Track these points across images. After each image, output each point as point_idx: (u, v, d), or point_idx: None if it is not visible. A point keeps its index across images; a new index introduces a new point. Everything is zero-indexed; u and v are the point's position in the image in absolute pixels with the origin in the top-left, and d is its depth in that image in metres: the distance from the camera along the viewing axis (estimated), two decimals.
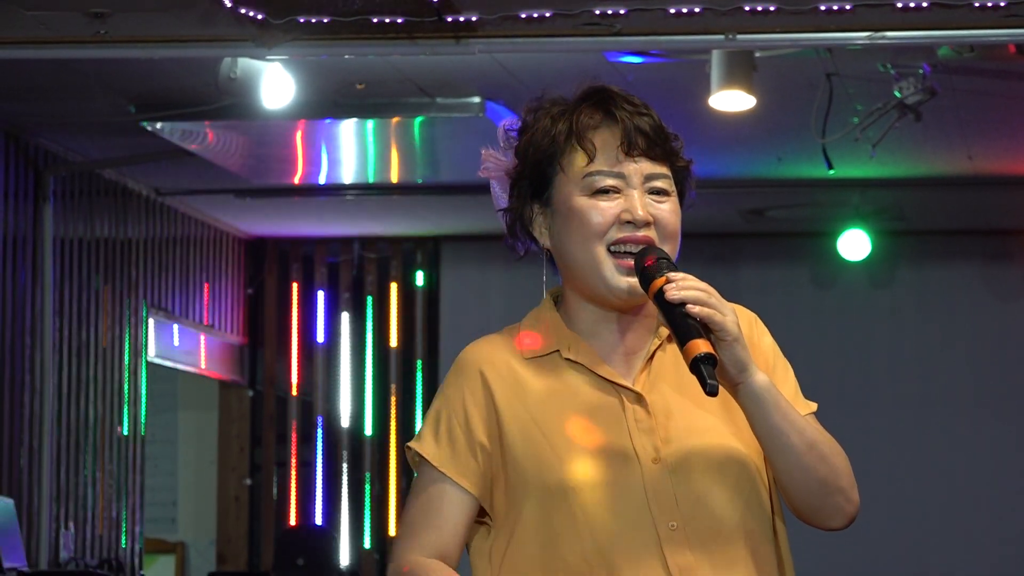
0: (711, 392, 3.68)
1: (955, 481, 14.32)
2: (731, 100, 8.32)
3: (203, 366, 13.27)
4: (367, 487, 14.10)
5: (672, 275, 3.84)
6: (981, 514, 14.43)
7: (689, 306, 3.78)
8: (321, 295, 14.19)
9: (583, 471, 3.96)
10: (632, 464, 3.95)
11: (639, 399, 4.00)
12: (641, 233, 3.93)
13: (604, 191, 3.82)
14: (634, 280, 3.92)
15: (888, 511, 13.84)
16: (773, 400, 3.99)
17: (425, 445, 3.92)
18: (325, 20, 7.85)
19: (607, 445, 3.98)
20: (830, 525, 4.06)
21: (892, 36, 8.11)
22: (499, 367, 3.97)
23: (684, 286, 3.81)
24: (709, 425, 4.10)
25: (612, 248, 3.94)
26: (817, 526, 4.11)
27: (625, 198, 3.84)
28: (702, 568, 4.00)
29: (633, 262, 3.94)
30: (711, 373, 3.69)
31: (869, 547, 13.98)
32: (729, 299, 4.28)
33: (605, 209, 3.84)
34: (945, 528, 14.40)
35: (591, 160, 3.85)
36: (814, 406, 4.36)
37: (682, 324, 3.79)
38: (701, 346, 3.75)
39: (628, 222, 3.88)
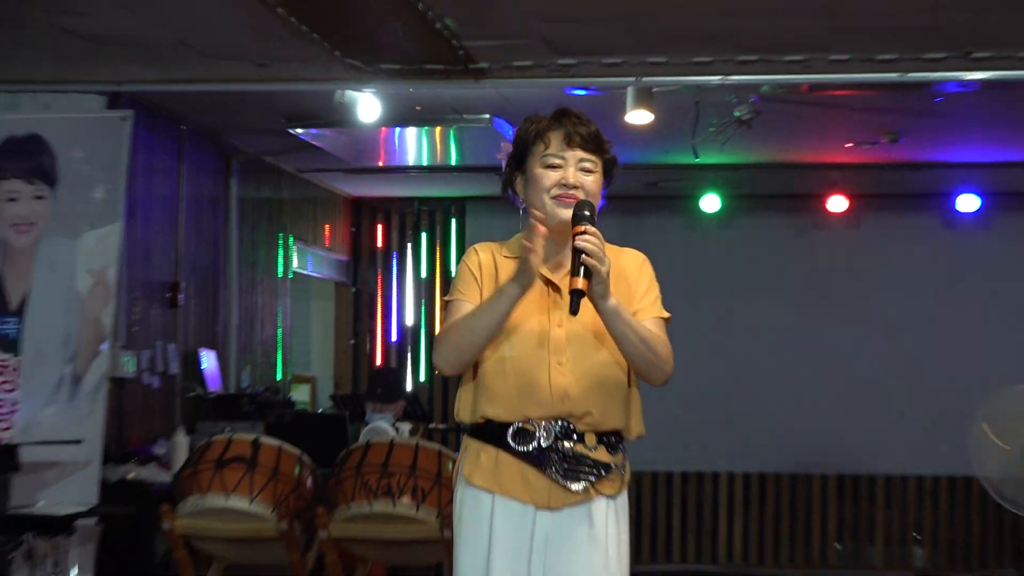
0: (572, 313, 4.31)
1: (799, 370, 13.62)
2: (638, 116, 8.40)
3: (325, 274, 13.38)
4: (421, 346, 14.13)
5: (587, 228, 4.31)
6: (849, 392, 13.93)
7: (584, 256, 4.28)
8: (395, 233, 14.21)
9: (518, 322, 4.61)
10: (544, 325, 4.65)
11: (557, 288, 4.58)
12: (571, 192, 4.56)
13: (552, 166, 4.46)
14: (564, 213, 4.45)
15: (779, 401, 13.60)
16: (619, 314, 4.47)
17: (453, 291, 4.70)
18: (396, 67, 7.90)
19: (534, 312, 4.64)
20: (652, 382, 4.58)
21: (734, 79, 8.15)
22: (487, 257, 4.64)
23: (586, 239, 4.33)
24: (593, 314, 4.57)
25: (552, 197, 4.43)
26: (646, 381, 4.61)
27: (564, 171, 4.48)
28: (573, 387, 4.56)
29: (567, 200, 4.43)
30: (576, 302, 4.27)
31: (776, 434, 13.59)
32: (633, 239, 4.71)
33: (551, 175, 4.60)
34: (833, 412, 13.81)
35: (547, 148, 4.31)
36: (667, 315, 4.73)
37: (576, 263, 4.31)
38: (577, 283, 4.29)
39: (563, 184, 4.30)
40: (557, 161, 4.52)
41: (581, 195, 4.46)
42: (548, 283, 4.60)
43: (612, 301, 4.35)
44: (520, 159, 4.60)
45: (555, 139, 4.52)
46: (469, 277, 4.64)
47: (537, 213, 4.39)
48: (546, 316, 4.54)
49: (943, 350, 13.35)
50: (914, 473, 13.60)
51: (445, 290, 13.69)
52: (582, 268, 4.26)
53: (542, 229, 4.32)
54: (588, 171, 4.50)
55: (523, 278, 4.34)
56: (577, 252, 4.26)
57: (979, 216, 13.34)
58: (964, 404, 9.77)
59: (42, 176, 7.15)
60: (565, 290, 4.49)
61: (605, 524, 4.51)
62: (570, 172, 4.49)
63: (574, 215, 4.34)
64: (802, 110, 9.78)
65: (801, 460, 13.70)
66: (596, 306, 4.34)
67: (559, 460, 4.47)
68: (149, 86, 8.40)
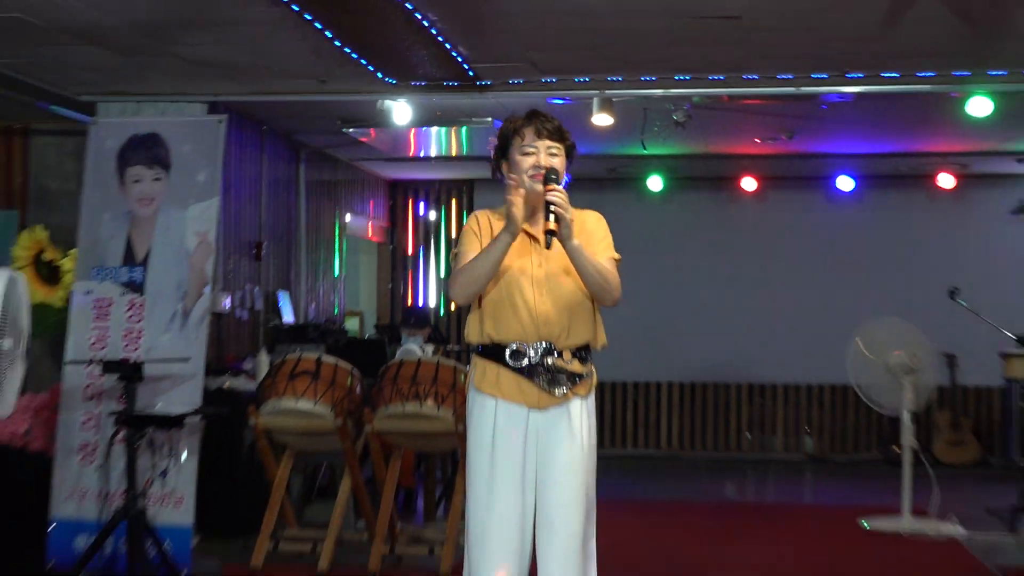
0: (547, 247, 4.46)
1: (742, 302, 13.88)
2: (601, 119, 8.35)
3: (370, 236, 13.31)
4: (440, 287, 14.10)
5: (555, 187, 4.45)
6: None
7: (553, 206, 4.40)
8: (421, 205, 14.11)
9: (508, 264, 4.62)
10: (528, 268, 4.69)
11: (535, 239, 4.65)
12: (543, 170, 4.58)
13: (527, 153, 4.56)
14: (538, 187, 4.54)
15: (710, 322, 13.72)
16: (580, 251, 4.55)
17: (459, 246, 4.70)
18: (422, 83, 7.90)
19: (520, 257, 4.68)
20: (604, 303, 4.64)
21: (673, 92, 8.14)
22: (484, 219, 4.79)
23: (555, 193, 4.46)
24: (563, 268, 4.64)
25: (529, 176, 4.57)
26: (600, 303, 4.64)
27: (536, 156, 4.59)
28: (552, 312, 4.61)
29: (541, 178, 4.47)
30: (548, 240, 4.43)
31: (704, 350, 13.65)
32: (595, 209, 4.65)
33: (527, 159, 4.71)
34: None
35: (523, 140, 4.44)
36: (617, 256, 4.78)
37: (547, 211, 4.43)
38: (550, 225, 4.43)
39: (537, 166, 4.55)
40: (531, 149, 4.60)
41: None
42: (529, 236, 4.67)
43: (575, 241, 4.47)
44: (504, 149, 4.68)
45: (528, 133, 4.61)
46: (471, 234, 4.70)
47: (515, 177, 4.50)
48: (528, 260, 4.61)
49: (827, 291, 13.27)
50: (805, 382, 13.58)
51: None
52: (552, 215, 4.40)
53: (519, 189, 4.45)
54: (554, 155, 4.60)
55: (511, 226, 4.45)
56: (548, 204, 4.40)
57: (853, 193, 13.25)
58: (841, 332, 9.77)
59: (159, 163, 7.14)
60: (541, 235, 4.57)
61: (580, 418, 4.59)
62: (542, 157, 4.58)
63: (544, 178, 4.48)
64: (722, 115, 9.71)
65: (722, 373, 13.67)
66: (563, 244, 4.46)
67: (544, 372, 4.56)
68: (238, 97, 8.40)
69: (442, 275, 14.17)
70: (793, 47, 7.12)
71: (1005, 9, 6.29)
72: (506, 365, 4.56)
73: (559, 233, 4.41)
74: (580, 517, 4.55)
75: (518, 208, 4.44)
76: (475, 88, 8.07)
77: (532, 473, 4.58)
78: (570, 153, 4.67)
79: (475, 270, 4.54)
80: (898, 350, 9.10)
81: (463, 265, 4.59)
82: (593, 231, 4.69)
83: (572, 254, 4.51)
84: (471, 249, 4.63)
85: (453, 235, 14.04)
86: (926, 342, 9.25)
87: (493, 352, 4.59)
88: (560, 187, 4.46)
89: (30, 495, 6.93)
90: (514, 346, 4.55)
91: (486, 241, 4.62)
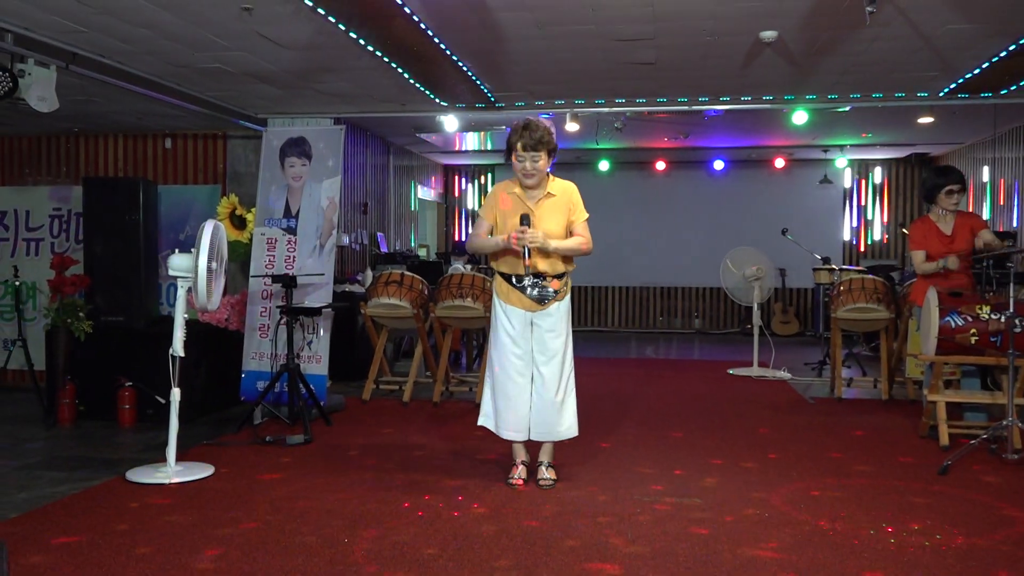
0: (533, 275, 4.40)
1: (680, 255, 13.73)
2: (572, 126, 8.23)
3: (432, 198, 13.20)
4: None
5: (524, 228, 4.31)
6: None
7: (528, 246, 4.32)
8: (463, 179, 13.96)
9: (513, 225, 4.47)
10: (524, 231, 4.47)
11: (533, 211, 4.51)
12: (530, 172, 4.40)
13: (519, 159, 4.13)
14: (526, 181, 4.40)
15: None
16: (558, 247, 4.41)
17: (481, 210, 4.64)
18: (462, 104, 7.77)
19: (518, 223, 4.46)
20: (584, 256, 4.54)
21: (614, 110, 7.98)
22: (500, 190, 4.38)
23: (526, 237, 4.32)
24: (551, 223, 4.60)
25: (521, 175, 4.41)
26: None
27: (524, 164, 4.44)
28: (541, 262, 4.49)
29: (525, 174, 4.38)
30: (528, 270, 4.35)
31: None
32: (569, 178, 4.52)
33: (518, 165, 4.61)
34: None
35: (516, 151, 4.25)
36: (587, 215, 4.65)
37: (526, 249, 4.31)
38: (533, 263, 4.35)
39: (524, 171, 4.49)
40: (520, 158, 4.47)
41: (535, 173, 4.42)
42: (530, 209, 4.53)
43: (552, 246, 4.37)
44: (509, 150, 4.57)
45: (519, 145, 4.45)
46: (488, 203, 4.63)
47: (513, 245, 4.36)
48: (530, 224, 4.49)
49: (709, 231, 13.22)
50: (695, 285, 13.56)
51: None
52: (527, 250, 4.32)
53: (514, 243, 4.35)
54: (536, 160, 4.47)
55: (506, 244, 4.38)
56: (522, 246, 4.33)
57: (724, 171, 13.11)
58: (716, 256, 9.74)
59: (305, 155, 7.07)
60: (539, 210, 4.44)
61: (559, 312, 4.57)
62: (527, 164, 4.46)
63: (521, 220, 4.35)
64: (644, 123, 9.61)
65: (645, 280, 13.59)
66: (547, 254, 4.39)
67: (535, 290, 4.52)
68: (352, 114, 8.27)
69: (475, 217, 14.06)
70: (687, 81, 7.01)
71: (814, 57, 6.24)
72: (512, 284, 4.56)
73: (540, 249, 4.38)
74: (557, 371, 4.57)
75: (511, 244, 4.35)
76: (494, 108, 7.95)
77: (530, 345, 4.60)
78: (551, 153, 4.57)
79: (482, 248, 4.52)
80: (752, 266, 9.08)
81: (478, 236, 4.55)
82: (573, 201, 4.61)
83: (557, 252, 4.45)
84: (486, 216, 4.59)
85: (481, 198, 13.94)
86: (767, 260, 9.23)
87: (505, 276, 4.59)
88: (529, 228, 4.34)
89: (229, 356, 6.98)
90: (515, 277, 4.53)
91: (496, 206, 4.56)
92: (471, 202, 14.08)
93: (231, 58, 6.17)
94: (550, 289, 4.52)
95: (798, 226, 12.04)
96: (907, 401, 7.19)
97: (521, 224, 4.39)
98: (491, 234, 4.59)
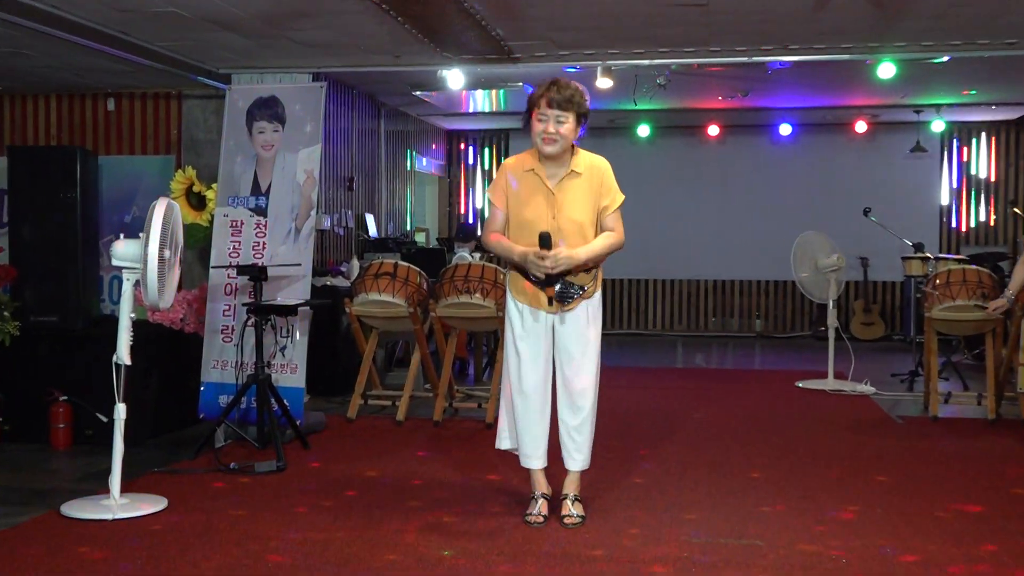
0: (556, 303, 4.43)
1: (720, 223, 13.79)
2: (604, 83, 8.25)
3: (432, 171, 13.25)
4: (483, 210, 14.01)
5: (546, 255, 4.31)
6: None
7: (558, 273, 4.32)
8: (470, 148, 14.00)
9: (529, 214, 4.54)
10: (545, 215, 4.52)
11: (553, 193, 4.50)
12: (551, 136, 4.38)
13: (540, 119, 4.10)
14: (547, 149, 4.39)
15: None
16: (589, 257, 4.40)
17: (490, 192, 4.63)
18: (470, 56, 7.79)
19: (539, 207, 4.55)
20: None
21: (657, 62, 8.00)
22: (509, 170, 4.26)
23: (551, 264, 4.30)
24: (577, 210, 4.56)
25: (540, 139, 4.42)
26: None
27: (546, 124, 4.24)
28: (563, 249, 4.44)
29: (547, 147, 4.39)
30: (553, 299, 4.41)
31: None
32: (599, 151, 4.57)
33: (539, 126, 4.56)
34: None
35: (539, 109, 4.16)
36: (622, 197, 4.61)
37: (551, 277, 4.35)
38: (550, 292, 4.39)
39: (546, 132, 4.25)
40: (543, 117, 4.43)
41: (557, 139, 4.39)
42: (549, 191, 4.55)
43: (580, 257, 4.38)
44: (529, 110, 4.53)
45: (543, 102, 4.43)
46: (497, 187, 4.62)
47: (537, 148, 4.42)
48: (545, 212, 4.48)
49: (772, 211, 13.29)
50: (755, 278, 13.59)
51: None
52: (550, 279, 4.37)
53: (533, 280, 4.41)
54: (562, 122, 4.43)
55: (520, 261, 4.40)
56: (551, 276, 4.36)
57: (791, 137, 13.12)
58: (783, 242, 9.73)
59: (277, 119, 7.08)
60: (558, 189, 4.45)
61: (585, 314, 4.57)
62: (550, 125, 4.42)
63: (540, 241, 4.32)
64: (693, 78, 9.62)
65: (693, 272, 13.68)
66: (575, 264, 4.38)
67: (558, 291, 4.49)
68: (335, 68, 8.29)
69: (484, 201, 14.09)
70: (746, 26, 7.01)
71: None
72: (530, 280, 4.53)
73: (575, 273, 4.43)
74: (584, 382, 4.58)
75: (532, 269, 4.37)
76: (509, 60, 7.96)
77: (550, 353, 4.61)
78: (581, 118, 4.51)
79: (497, 251, 4.53)
80: (827, 255, 9.06)
81: (493, 233, 4.57)
82: (605, 180, 4.56)
83: (588, 263, 4.46)
84: (497, 202, 4.59)
85: (493, 171, 13.98)
86: (838, 249, 9.21)
87: (520, 270, 4.56)
88: (551, 252, 4.32)
89: (185, 365, 7.00)
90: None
91: (505, 184, 4.56)
92: (480, 176, 14.15)
93: (187, 0, 6.20)
94: (576, 285, 4.49)
95: (884, 205, 11.96)
96: (1019, 421, 7.14)
97: (541, 247, 4.36)
98: (506, 228, 4.58)
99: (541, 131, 4.41)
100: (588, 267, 4.52)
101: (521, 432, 4.63)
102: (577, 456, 4.64)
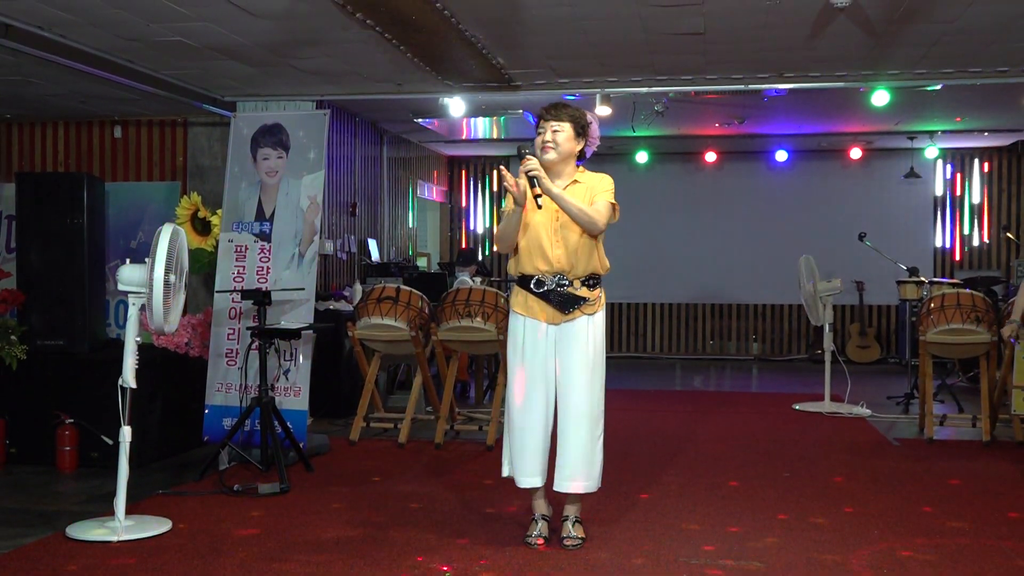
0: (537, 207, 4.42)
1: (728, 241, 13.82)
2: (602, 110, 8.24)
3: (432, 197, 13.22)
4: (484, 236, 14.00)
5: (527, 158, 4.44)
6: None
7: (528, 172, 4.40)
8: (471, 175, 14.00)
9: (533, 221, 4.59)
10: (547, 223, 4.60)
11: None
12: (548, 144, 4.54)
13: (539, 132, 4.58)
14: (545, 157, 4.52)
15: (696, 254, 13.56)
16: (560, 197, 4.45)
17: (505, 202, 4.59)
18: (471, 84, 7.81)
19: (542, 215, 4.59)
20: (593, 234, 4.53)
21: (654, 90, 8.01)
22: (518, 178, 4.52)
23: (526, 164, 4.41)
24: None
25: (540, 148, 4.57)
26: (588, 233, 4.51)
27: (543, 134, 4.59)
28: (562, 254, 4.56)
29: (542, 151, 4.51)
30: (537, 199, 4.38)
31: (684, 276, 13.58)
32: (614, 174, 4.47)
33: (539, 137, 4.64)
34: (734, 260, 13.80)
35: (538, 125, 4.55)
36: (614, 201, 4.61)
37: (529, 179, 4.40)
38: (536, 191, 4.39)
39: (544, 141, 4.57)
40: (541, 130, 4.60)
41: (554, 145, 4.55)
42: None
43: (554, 190, 4.46)
44: (537, 134, 4.68)
45: (541, 120, 4.63)
46: (509, 196, 4.68)
47: (507, 175, 4.49)
48: (548, 216, 4.57)
49: (768, 237, 13.29)
50: (752, 302, 13.59)
51: (498, 205, 13.67)
52: (529, 177, 4.41)
53: (509, 178, 4.45)
54: (557, 131, 4.56)
55: (517, 200, 4.46)
56: (527, 174, 4.42)
57: (787, 163, 13.16)
58: (779, 267, 9.73)
59: (281, 146, 7.10)
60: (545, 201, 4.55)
61: (586, 331, 4.58)
62: (547, 135, 4.56)
63: (518, 153, 4.48)
64: (690, 106, 9.65)
65: (691, 296, 13.68)
66: (547, 195, 4.43)
67: (557, 296, 4.55)
68: (338, 96, 8.32)
69: (485, 227, 14.11)
70: (742, 55, 7.02)
71: (897, 25, 6.24)
72: (531, 292, 4.59)
73: (541, 186, 4.44)
74: (585, 401, 4.57)
75: (514, 189, 4.46)
76: (510, 88, 7.98)
77: (552, 371, 4.61)
78: (579, 129, 4.64)
79: (504, 232, 4.61)
80: (821, 280, 9.06)
81: (501, 227, 4.68)
82: (598, 183, 4.65)
83: (554, 200, 4.53)
84: (507, 207, 4.65)
85: (492, 198, 14.01)
86: (833, 275, 9.21)
87: (523, 282, 4.65)
88: (531, 156, 4.47)
89: (190, 388, 6.99)
90: (536, 278, 4.57)
91: (513, 201, 4.64)
92: (480, 202, 14.17)
93: (193, 29, 6.22)
94: (576, 294, 4.55)
95: (878, 230, 12.01)
96: (1013, 443, 7.15)
97: (520, 155, 4.53)
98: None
99: (540, 143, 4.58)
100: (589, 277, 4.60)
101: (517, 448, 4.62)
102: (576, 477, 4.62)
